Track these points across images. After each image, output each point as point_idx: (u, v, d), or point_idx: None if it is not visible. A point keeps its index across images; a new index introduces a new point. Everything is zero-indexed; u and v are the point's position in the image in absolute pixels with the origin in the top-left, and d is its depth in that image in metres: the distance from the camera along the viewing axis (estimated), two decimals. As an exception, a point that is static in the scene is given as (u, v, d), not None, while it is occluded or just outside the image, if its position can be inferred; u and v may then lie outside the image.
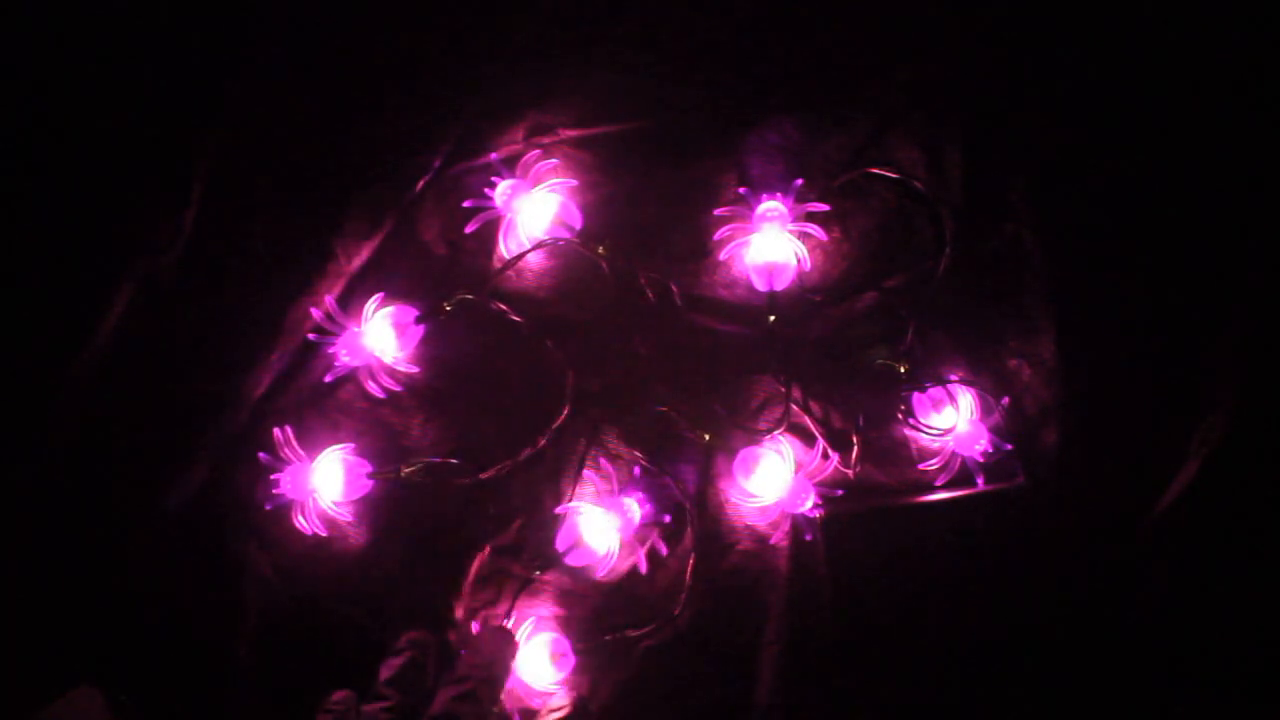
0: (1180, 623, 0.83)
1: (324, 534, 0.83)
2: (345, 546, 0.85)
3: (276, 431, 0.83)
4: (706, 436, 0.86)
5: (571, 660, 0.81)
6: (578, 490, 0.86)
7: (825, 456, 0.85)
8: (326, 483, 0.83)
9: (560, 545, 0.82)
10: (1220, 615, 0.83)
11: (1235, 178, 0.89)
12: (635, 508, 0.83)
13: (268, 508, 0.82)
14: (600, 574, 0.83)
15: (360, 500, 0.85)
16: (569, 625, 0.84)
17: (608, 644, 0.83)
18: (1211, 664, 0.82)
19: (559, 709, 0.81)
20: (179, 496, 0.84)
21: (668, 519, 0.83)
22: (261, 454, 0.83)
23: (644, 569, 0.82)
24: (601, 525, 0.82)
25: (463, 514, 0.85)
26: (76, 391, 0.86)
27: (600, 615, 0.84)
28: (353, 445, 0.85)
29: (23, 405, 0.86)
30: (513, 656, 0.79)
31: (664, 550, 0.83)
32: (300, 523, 0.83)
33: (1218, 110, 0.90)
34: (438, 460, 0.85)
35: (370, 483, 0.84)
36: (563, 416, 0.86)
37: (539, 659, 0.81)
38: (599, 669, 0.83)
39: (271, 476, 0.83)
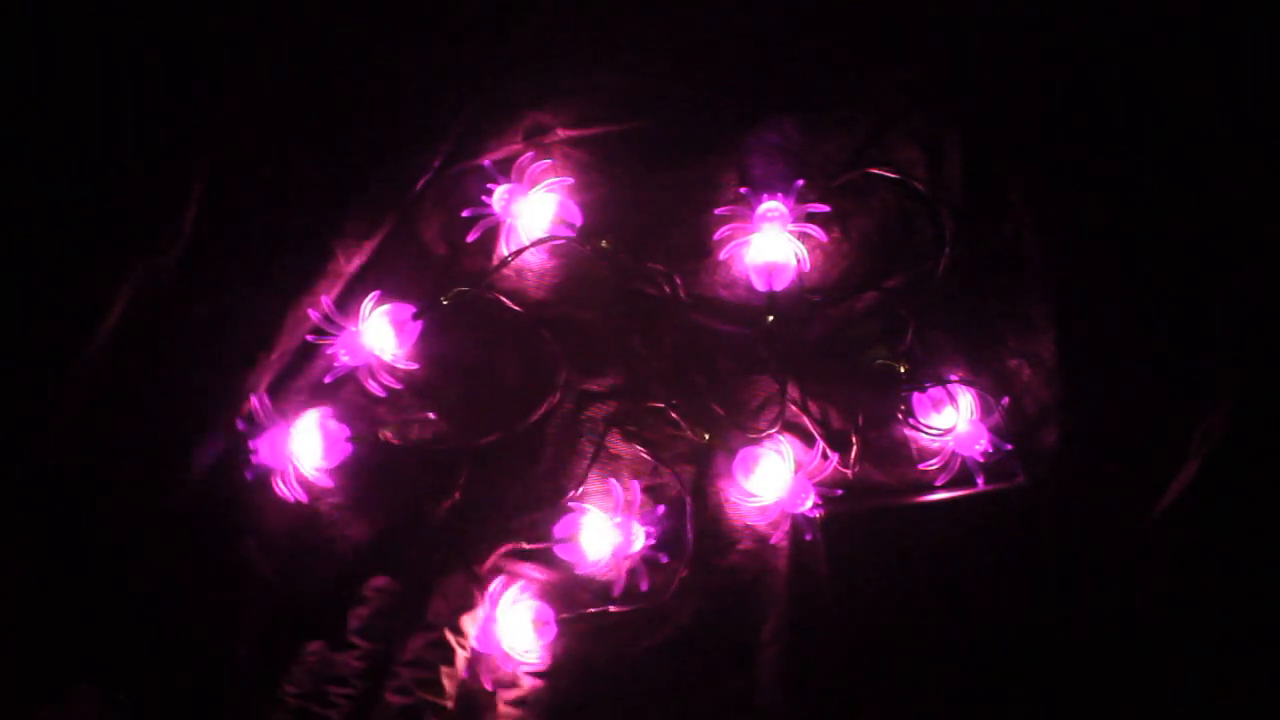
0: (1180, 623, 0.83)
1: (304, 500, 0.83)
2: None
3: (253, 398, 0.83)
4: (706, 436, 0.86)
5: (553, 629, 0.81)
6: (595, 493, 0.86)
7: (825, 456, 0.85)
8: (305, 448, 0.83)
9: (557, 533, 0.82)
10: (1220, 615, 0.83)
11: (1235, 178, 0.89)
12: (641, 536, 0.83)
13: (248, 477, 0.82)
14: (580, 572, 0.83)
15: (341, 467, 0.84)
16: (553, 594, 0.84)
17: (590, 617, 0.83)
18: (1211, 664, 0.82)
19: (535, 674, 0.81)
20: (179, 496, 0.84)
21: (665, 559, 0.83)
22: (238, 420, 0.83)
23: (617, 592, 0.82)
24: (603, 536, 0.82)
25: (445, 477, 0.85)
26: (76, 391, 0.86)
27: (587, 588, 0.84)
28: (331, 410, 0.85)
29: (23, 405, 0.86)
30: (480, 603, 0.79)
31: (645, 586, 0.83)
32: (280, 488, 0.82)
33: (1218, 110, 0.90)
34: (416, 418, 0.85)
35: (349, 447, 0.84)
36: (555, 399, 0.86)
37: (520, 624, 0.81)
38: (580, 641, 0.83)
39: (249, 443, 0.82)
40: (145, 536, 0.84)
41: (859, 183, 0.90)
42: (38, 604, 0.83)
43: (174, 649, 0.82)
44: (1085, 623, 0.83)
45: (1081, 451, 0.86)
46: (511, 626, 0.81)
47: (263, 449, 0.82)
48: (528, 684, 0.81)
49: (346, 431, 0.84)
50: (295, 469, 0.82)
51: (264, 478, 0.83)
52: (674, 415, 0.86)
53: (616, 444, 0.87)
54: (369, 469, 0.85)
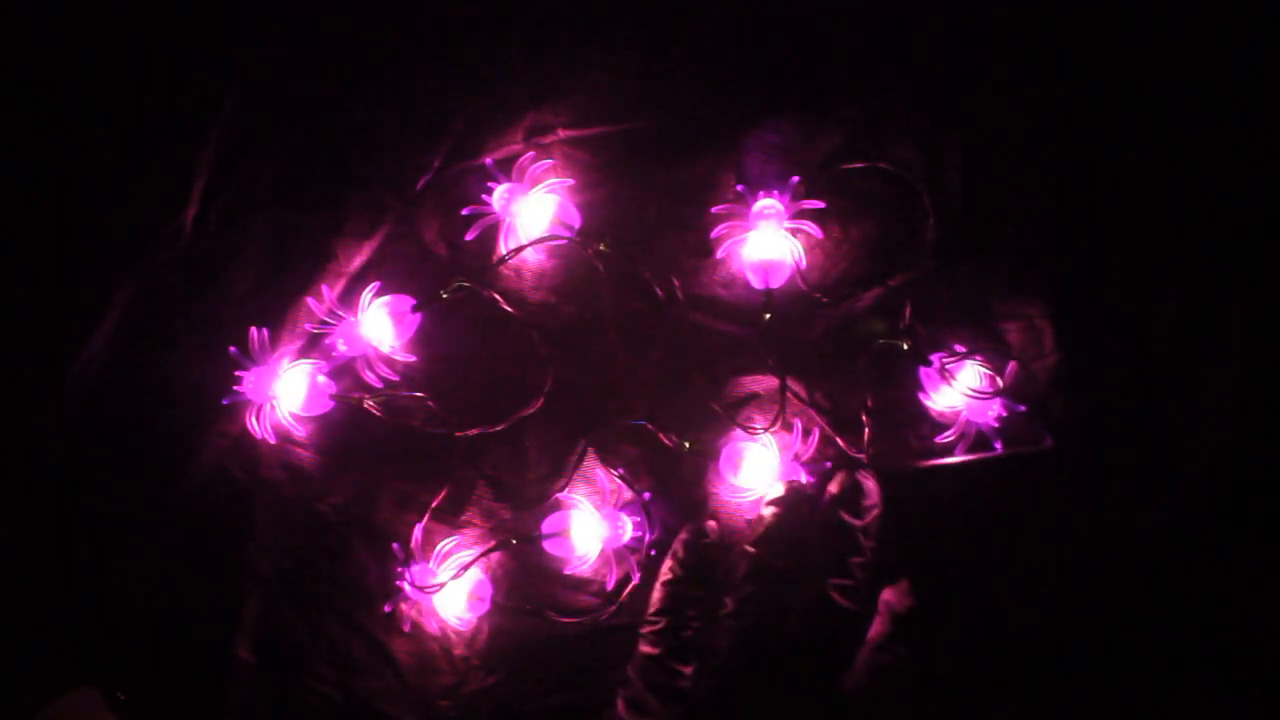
0: (1180, 622, 0.83)
1: (273, 441, 0.84)
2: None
3: (253, 331, 0.83)
4: (687, 445, 0.85)
5: (485, 607, 0.82)
6: (579, 487, 0.86)
7: (806, 435, 0.84)
8: (288, 393, 0.84)
9: (545, 528, 0.83)
10: (1220, 616, 0.83)
11: (1236, 178, 0.89)
12: (628, 526, 0.83)
13: (224, 402, 0.83)
14: (569, 570, 0.83)
15: (320, 425, 0.86)
16: (502, 578, 0.84)
17: (527, 613, 0.83)
18: (1211, 664, 0.82)
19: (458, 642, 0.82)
20: (180, 494, 0.84)
21: (653, 552, 0.83)
22: (232, 348, 0.83)
23: (610, 586, 0.83)
24: (591, 529, 0.82)
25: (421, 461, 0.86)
26: (77, 391, 0.86)
27: (540, 587, 0.84)
28: (326, 365, 0.85)
29: (23, 405, 0.86)
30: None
31: (636, 578, 0.83)
32: (251, 425, 0.83)
33: (1218, 110, 0.90)
34: (404, 395, 0.86)
35: (331, 404, 0.85)
36: (536, 405, 0.86)
37: (457, 591, 0.82)
38: (508, 633, 0.83)
39: (237, 373, 0.83)
40: (145, 536, 0.84)
41: (858, 181, 0.90)
42: (38, 604, 0.83)
43: (174, 649, 0.83)
44: (1085, 621, 0.83)
45: (1081, 453, 0.85)
46: (448, 590, 0.81)
47: (248, 381, 0.83)
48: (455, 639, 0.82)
49: (332, 388, 0.85)
50: (273, 409, 0.83)
51: (240, 406, 0.84)
52: (651, 428, 0.85)
53: (598, 450, 0.87)
54: (347, 433, 0.87)
